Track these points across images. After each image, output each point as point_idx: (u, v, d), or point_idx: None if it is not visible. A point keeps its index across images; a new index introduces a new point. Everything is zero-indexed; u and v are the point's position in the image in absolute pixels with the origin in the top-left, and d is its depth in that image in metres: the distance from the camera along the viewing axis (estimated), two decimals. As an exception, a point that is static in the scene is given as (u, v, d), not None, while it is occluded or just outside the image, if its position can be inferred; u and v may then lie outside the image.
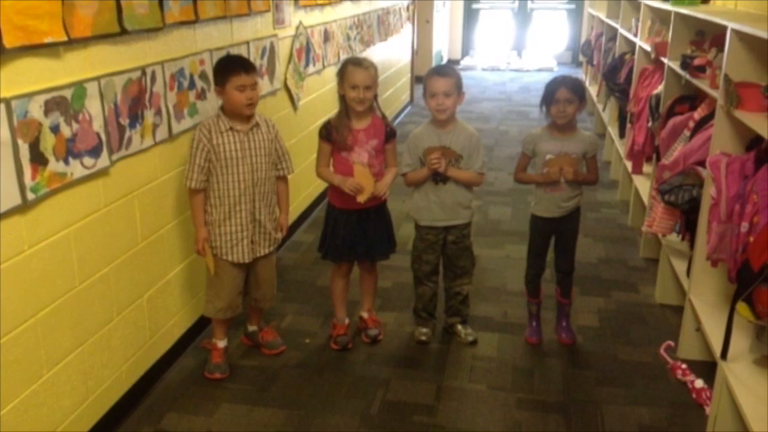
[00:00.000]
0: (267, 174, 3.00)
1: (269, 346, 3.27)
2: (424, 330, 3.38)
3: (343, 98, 3.10)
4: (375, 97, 3.13)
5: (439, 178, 3.15)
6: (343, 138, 3.07)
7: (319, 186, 4.96)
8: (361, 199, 3.07)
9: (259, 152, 2.95)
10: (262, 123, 2.99)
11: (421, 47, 10.13)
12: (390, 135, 3.17)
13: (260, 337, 3.29)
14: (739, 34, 2.75)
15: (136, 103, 2.69)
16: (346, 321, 3.38)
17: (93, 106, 2.42)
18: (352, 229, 3.20)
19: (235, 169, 2.89)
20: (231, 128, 2.88)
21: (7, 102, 2.02)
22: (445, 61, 11.99)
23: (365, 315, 3.41)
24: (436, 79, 3.09)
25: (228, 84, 2.82)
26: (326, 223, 3.27)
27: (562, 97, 3.06)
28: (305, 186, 4.81)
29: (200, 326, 3.35)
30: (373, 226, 3.23)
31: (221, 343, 3.12)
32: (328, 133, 3.12)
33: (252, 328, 3.31)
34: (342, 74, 3.08)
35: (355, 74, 3.03)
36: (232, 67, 2.87)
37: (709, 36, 3.71)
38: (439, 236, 3.25)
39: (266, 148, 2.98)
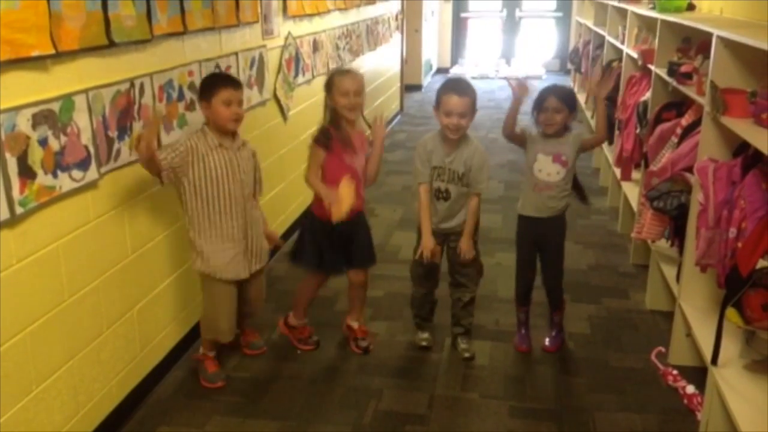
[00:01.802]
0: (252, 191, 3.02)
1: (251, 346, 3.32)
2: (424, 335, 3.37)
3: (333, 111, 3.08)
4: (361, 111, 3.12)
5: (441, 195, 3.12)
6: (346, 138, 3.05)
7: (309, 196, 4.94)
8: (336, 216, 2.98)
9: (246, 169, 2.95)
10: (245, 143, 3.00)
11: (411, 56, 10.16)
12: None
13: (242, 338, 3.32)
14: (724, 41, 2.78)
15: (124, 115, 2.69)
16: (306, 321, 3.39)
17: (81, 119, 2.41)
18: (331, 240, 3.14)
19: (226, 187, 2.87)
20: (220, 145, 2.86)
21: (-6, 116, 2.02)
22: (434, 69, 12.03)
23: (354, 325, 3.38)
24: (454, 98, 3.00)
25: (214, 98, 2.81)
26: (302, 231, 3.25)
27: (550, 106, 3.07)
28: (295, 197, 4.81)
29: (191, 339, 3.33)
30: (353, 237, 3.19)
31: (212, 353, 3.13)
32: (327, 139, 3.04)
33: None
34: (330, 85, 3.07)
35: (344, 81, 3.03)
36: (218, 81, 2.88)
37: (695, 43, 3.74)
38: (438, 238, 3.18)
39: (250, 167, 2.99)
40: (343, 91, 3.02)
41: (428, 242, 3.10)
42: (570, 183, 3.20)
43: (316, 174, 3.12)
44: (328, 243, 3.16)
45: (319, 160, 3.09)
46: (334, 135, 3.06)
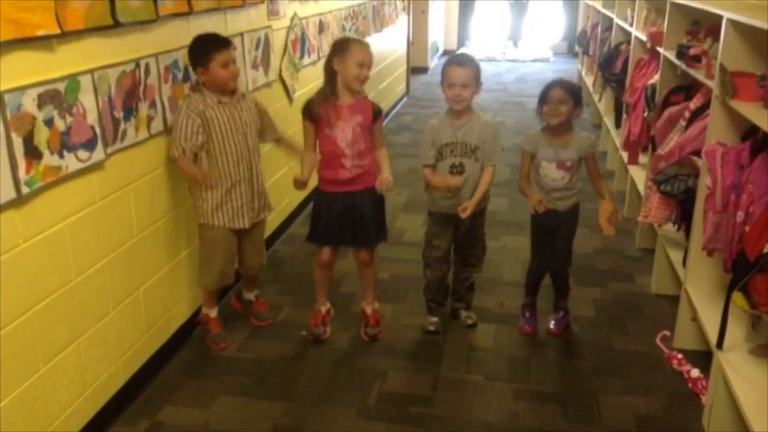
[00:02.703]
0: (257, 141, 3.12)
1: (259, 317, 3.41)
2: (434, 319, 3.37)
3: (334, 75, 3.01)
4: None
5: (456, 169, 3.13)
6: (326, 113, 3.01)
7: (316, 178, 4.94)
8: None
9: (248, 121, 3.05)
10: (244, 95, 3.09)
11: (417, 38, 10.10)
12: (377, 113, 3.11)
13: (254, 306, 3.43)
14: (734, 24, 2.75)
15: (130, 95, 2.68)
16: (323, 309, 3.34)
17: (87, 99, 2.41)
18: (335, 213, 3.12)
19: (231, 140, 2.97)
20: (219, 102, 2.95)
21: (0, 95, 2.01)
22: (441, 51, 11.97)
23: (368, 311, 3.35)
24: (455, 69, 3.06)
25: (212, 62, 2.89)
26: (314, 209, 3.25)
27: (555, 97, 3.05)
28: (301, 178, 4.80)
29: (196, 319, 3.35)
30: (359, 210, 3.12)
31: (213, 313, 3.22)
32: (310, 111, 3.04)
33: (248, 296, 3.45)
34: (343, 51, 2.98)
35: (361, 52, 2.99)
36: (213, 45, 2.93)
37: (705, 26, 3.70)
38: (451, 221, 3.20)
39: (253, 118, 3.09)
40: (359, 61, 2.97)
41: (434, 177, 3.15)
42: (579, 181, 3.20)
43: (311, 150, 3.13)
44: (329, 218, 3.14)
45: (310, 134, 3.10)
46: (321, 104, 3.02)
